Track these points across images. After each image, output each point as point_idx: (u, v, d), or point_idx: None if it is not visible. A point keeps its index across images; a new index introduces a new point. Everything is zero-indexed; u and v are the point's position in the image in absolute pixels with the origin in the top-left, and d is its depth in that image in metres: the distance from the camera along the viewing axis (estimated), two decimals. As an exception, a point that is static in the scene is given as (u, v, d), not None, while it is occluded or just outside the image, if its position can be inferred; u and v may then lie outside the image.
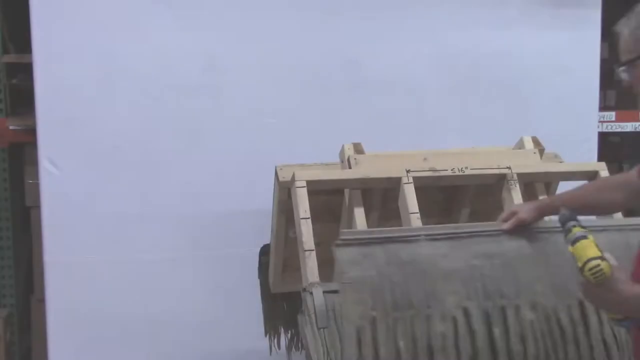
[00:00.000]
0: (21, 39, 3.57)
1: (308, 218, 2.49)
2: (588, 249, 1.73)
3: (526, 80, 3.61)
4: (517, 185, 2.66)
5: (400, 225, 2.60)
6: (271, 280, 3.09)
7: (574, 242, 1.77)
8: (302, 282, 2.43)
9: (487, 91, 3.61)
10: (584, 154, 3.51)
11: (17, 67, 3.91)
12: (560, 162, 2.91)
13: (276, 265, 3.01)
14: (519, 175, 2.68)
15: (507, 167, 2.68)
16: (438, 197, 2.89)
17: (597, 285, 1.71)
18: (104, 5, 3.26)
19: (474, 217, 2.90)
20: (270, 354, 3.29)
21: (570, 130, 3.52)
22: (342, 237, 2.25)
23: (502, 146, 2.92)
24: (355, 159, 2.68)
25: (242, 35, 3.36)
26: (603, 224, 2.31)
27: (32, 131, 3.41)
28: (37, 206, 3.42)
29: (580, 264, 1.73)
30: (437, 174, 2.66)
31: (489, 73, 3.61)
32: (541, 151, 2.84)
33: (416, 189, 2.58)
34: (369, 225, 2.63)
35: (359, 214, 2.60)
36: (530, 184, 2.79)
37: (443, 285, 2.17)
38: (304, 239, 2.46)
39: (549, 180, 2.83)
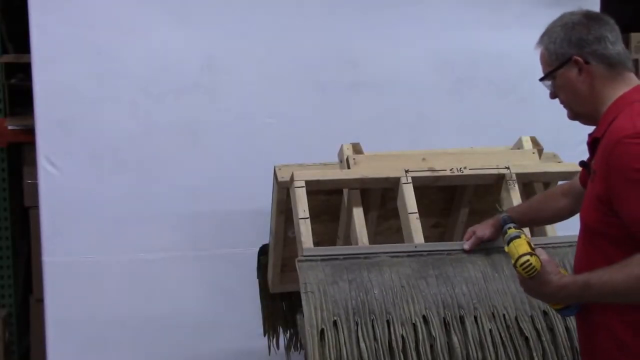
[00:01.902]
0: (20, 39, 3.57)
1: (307, 218, 2.49)
2: (520, 246, 1.90)
3: (525, 80, 3.59)
4: (516, 185, 2.66)
5: (399, 225, 2.61)
6: (270, 280, 3.09)
7: (509, 242, 1.95)
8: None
9: (486, 91, 3.61)
10: (582, 154, 3.49)
11: (15, 67, 3.92)
12: (559, 162, 2.91)
13: (275, 265, 3.01)
14: (518, 175, 2.68)
15: (506, 167, 2.69)
16: (437, 197, 2.89)
17: (530, 279, 1.87)
18: (103, 5, 3.25)
19: (473, 216, 2.90)
20: (270, 353, 3.29)
21: (569, 130, 3.51)
22: (305, 254, 2.35)
23: (501, 146, 2.92)
24: (354, 159, 2.68)
25: (240, 36, 3.36)
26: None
27: (30, 131, 3.41)
28: (36, 206, 3.42)
29: (513, 261, 1.89)
30: (435, 173, 2.66)
31: (488, 73, 3.60)
32: (540, 151, 2.84)
33: (415, 188, 2.58)
34: (368, 225, 2.64)
35: (358, 213, 2.60)
36: (529, 183, 2.79)
37: (402, 296, 2.27)
38: (303, 239, 2.46)
39: (548, 180, 2.83)
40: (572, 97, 1.98)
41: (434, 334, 2.21)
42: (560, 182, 2.71)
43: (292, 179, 2.56)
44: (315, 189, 2.61)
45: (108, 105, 3.29)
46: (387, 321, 2.21)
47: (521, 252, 1.88)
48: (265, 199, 2.90)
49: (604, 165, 1.83)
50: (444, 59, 3.56)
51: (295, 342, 3.27)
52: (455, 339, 2.21)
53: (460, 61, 3.57)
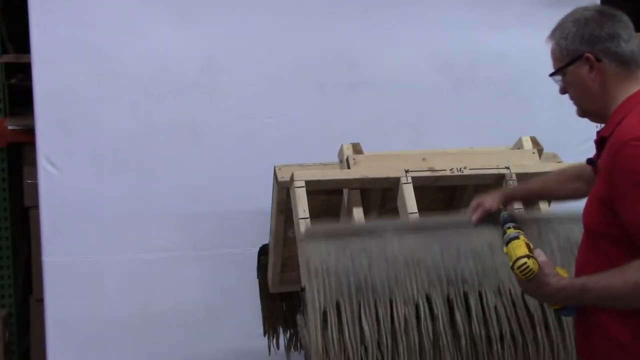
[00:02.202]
0: (20, 39, 3.57)
1: (307, 218, 2.49)
2: (518, 248, 1.88)
3: (525, 80, 3.61)
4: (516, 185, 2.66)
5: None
6: (270, 280, 3.09)
7: (507, 242, 1.93)
8: (300, 282, 2.43)
9: (486, 91, 3.61)
10: (582, 154, 3.49)
11: (16, 67, 3.92)
12: (559, 162, 2.90)
13: (275, 265, 3.01)
14: (518, 175, 2.68)
15: (506, 167, 2.68)
16: (437, 197, 2.89)
17: (528, 281, 1.86)
18: (103, 5, 3.26)
19: (472, 217, 2.90)
20: (270, 353, 3.29)
21: (569, 130, 3.53)
22: (308, 231, 2.32)
23: (501, 146, 2.92)
24: (354, 159, 2.68)
25: (240, 36, 3.36)
26: (540, 216, 2.44)
27: (30, 131, 3.41)
28: (36, 206, 3.42)
29: (510, 263, 1.88)
30: (435, 173, 2.66)
31: (488, 73, 3.60)
32: (540, 151, 2.84)
33: (415, 188, 2.58)
34: (367, 225, 2.63)
35: (358, 213, 2.60)
36: (529, 183, 2.79)
37: (406, 274, 2.23)
38: (302, 239, 2.46)
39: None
40: (582, 94, 1.93)
41: (436, 312, 2.19)
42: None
43: (292, 179, 2.56)
44: (315, 189, 2.61)
45: (108, 105, 3.29)
46: (390, 300, 2.18)
47: (519, 254, 1.86)
48: (265, 199, 2.90)
49: (608, 165, 1.81)
50: (444, 59, 3.56)
51: (295, 342, 3.27)
52: (458, 316, 2.19)
53: (460, 61, 3.57)
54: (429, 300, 2.21)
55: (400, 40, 3.50)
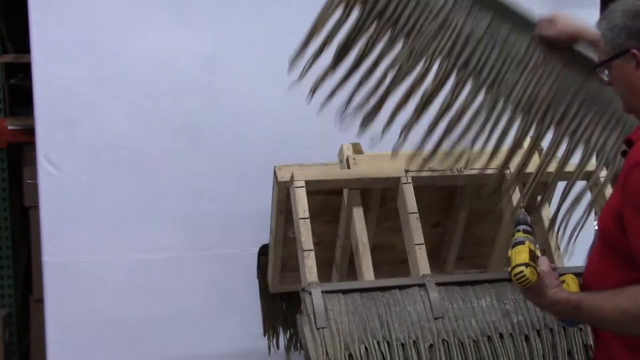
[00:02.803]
0: (20, 39, 3.57)
1: (307, 218, 2.49)
2: (519, 254, 1.83)
3: (525, 80, 3.60)
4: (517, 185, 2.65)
5: (399, 226, 2.60)
6: (270, 280, 3.09)
7: (513, 246, 1.87)
8: (300, 282, 2.43)
9: (486, 91, 3.60)
10: (582, 154, 3.50)
11: (15, 67, 3.92)
12: (559, 162, 2.90)
13: (275, 265, 3.01)
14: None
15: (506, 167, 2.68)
16: (437, 197, 2.89)
17: (526, 289, 1.81)
18: (103, 5, 3.25)
19: (473, 217, 2.90)
20: (269, 354, 3.29)
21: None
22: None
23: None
24: (354, 159, 2.68)
25: (240, 36, 3.36)
26: None
27: (30, 131, 3.41)
28: (36, 206, 3.42)
29: (509, 269, 1.83)
30: (435, 173, 2.65)
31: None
32: (540, 151, 2.83)
33: (415, 188, 2.58)
34: (367, 226, 2.63)
35: (358, 213, 2.60)
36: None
37: (437, 29, 2.33)
38: (302, 239, 2.46)
39: (548, 180, 2.82)
40: (626, 91, 1.81)
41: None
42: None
43: (292, 179, 2.56)
44: (315, 189, 2.61)
45: (108, 105, 3.29)
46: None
47: (518, 261, 1.82)
48: (265, 199, 2.90)
49: (622, 180, 1.74)
50: (444, 59, 3.55)
51: (295, 342, 3.28)
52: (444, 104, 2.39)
53: (460, 61, 3.56)
54: (429, 63, 2.38)
55: (401, 40, 3.50)
